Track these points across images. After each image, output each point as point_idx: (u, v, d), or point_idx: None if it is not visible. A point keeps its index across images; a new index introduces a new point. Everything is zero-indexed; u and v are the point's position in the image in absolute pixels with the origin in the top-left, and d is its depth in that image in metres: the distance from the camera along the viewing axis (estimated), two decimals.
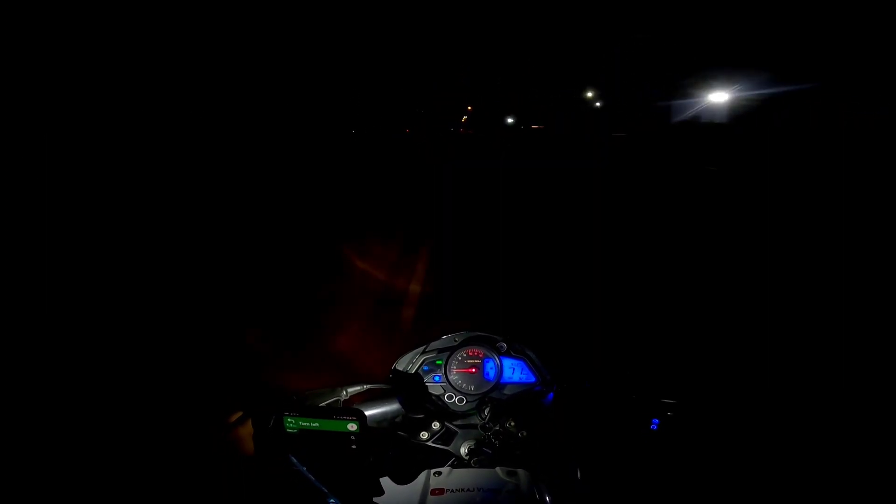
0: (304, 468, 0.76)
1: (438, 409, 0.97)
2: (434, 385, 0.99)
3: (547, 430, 0.92)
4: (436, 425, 0.93)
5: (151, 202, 8.28)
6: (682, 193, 8.59)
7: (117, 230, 6.41)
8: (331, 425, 0.74)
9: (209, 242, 5.85)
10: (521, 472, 0.83)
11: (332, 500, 0.74)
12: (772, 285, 3.89)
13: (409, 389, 0.95)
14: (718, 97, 14.53)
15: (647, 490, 0.91)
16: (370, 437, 0.76)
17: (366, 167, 14.81)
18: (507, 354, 1.00)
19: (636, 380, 0.94)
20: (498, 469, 0.84)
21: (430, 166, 14.61)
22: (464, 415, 0.96)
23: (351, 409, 0.77)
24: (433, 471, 0.84)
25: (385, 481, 0.83)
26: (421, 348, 1.02)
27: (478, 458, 0.89)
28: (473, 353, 1.00)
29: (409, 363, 1.01)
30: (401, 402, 0.90)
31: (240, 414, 0.87)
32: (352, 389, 0.90)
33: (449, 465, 0.89)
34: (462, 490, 0.81)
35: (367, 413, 0.87)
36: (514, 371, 0.99)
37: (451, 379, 0.98)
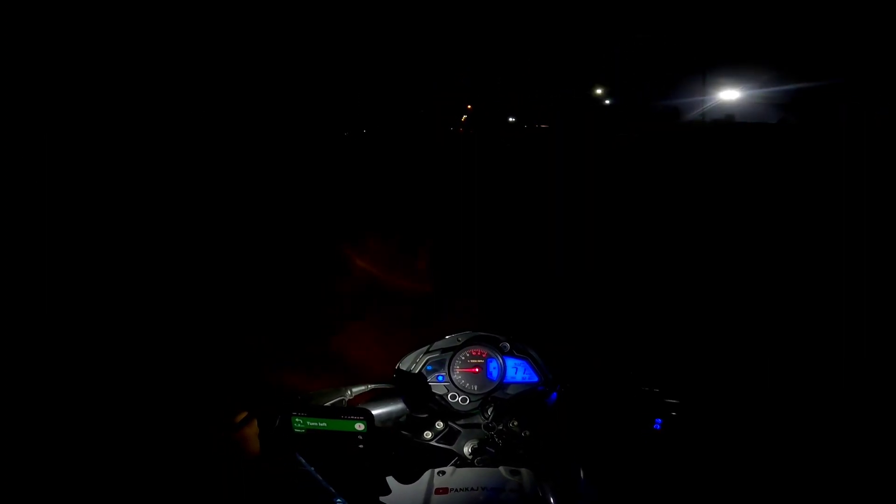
0: (312, 468, 0.77)
1: (442, 408, 0.97)
2: (437, 385, 1.00)
3: (550, 429, 0.93)
4: (439, 425, 0.94)
5: (158, 203, 8.30)
6: (688, 192, 8.56)
7: (129, 230, 6.43)
8: (338, 425, 0.75)
9: (216, 242, 5.86)
10: (524, 471, 0.83)
11: (338, 500, 0.75)
12: (779, 284, 3.89)
13: (413, 389, 0.96)
14: (729, 94, 14.39)
15: (650, 489, 0.92)
16: (377, 436, 0.76)
17: (366, 167, 14.81)
18: (511, 354, 1.01)
19: (639, 379, 0.94)
20: (501, 468, 0.84)
21: (431, 164, 14.61)
22: (467, 414, 0.97)
23: (359, 409, 0.78)
24: (437, 470, 0.85)
25: (389, 481, 0.84)
26: (424, 348, 1.03)
27: (481, 457, 0.90)
28: (477, 352, 1.01)
29: (412, 363, 1.02)
30: (405, 402, 0.90)
31: (245, 414, 0.87)
32: (356, 389, 0.91)
33: (452, 465, 0.90)
34: (465, 489, 0.81)
35: (373, 412, 0.88)
36: (517, 371, 1.00)
37: (455, 379, 0.99)
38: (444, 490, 0.82)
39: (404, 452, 0.92)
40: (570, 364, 1.03)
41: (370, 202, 9.26)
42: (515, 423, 0.93)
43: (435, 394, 0.99)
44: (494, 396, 0.97)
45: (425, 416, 0.93)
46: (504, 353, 1.00)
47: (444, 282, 4.43)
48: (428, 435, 0.93)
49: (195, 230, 6.53)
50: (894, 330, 2.88)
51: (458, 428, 0.94)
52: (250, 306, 3.87)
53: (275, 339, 3.25)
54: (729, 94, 14.86)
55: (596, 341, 3.10)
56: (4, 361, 2.89)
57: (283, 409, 0.78)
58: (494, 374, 0.99)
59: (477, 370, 1.00)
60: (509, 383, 0.99)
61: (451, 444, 0.93)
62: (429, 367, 1.01)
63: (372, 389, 0.91)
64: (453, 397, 0.98)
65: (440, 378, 1.00)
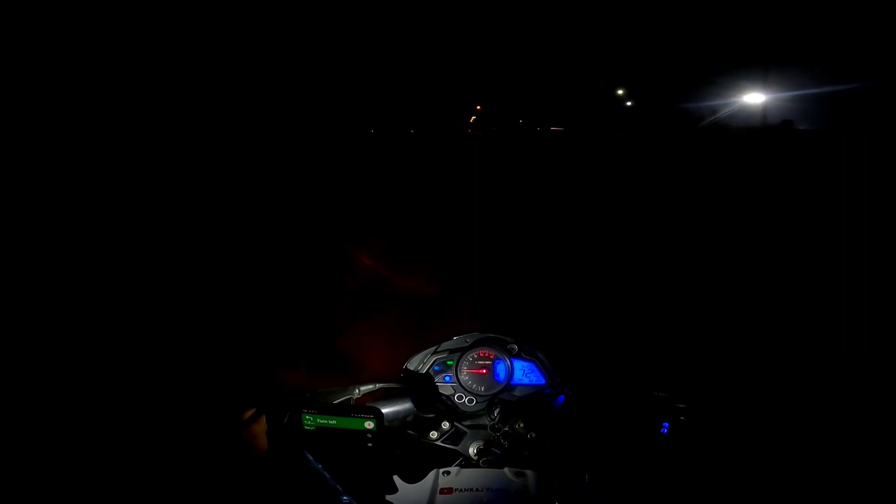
0: (319, 465, 0.77)
1: (448, 409, 0.98)
2: (445, 385, 1.00)
3: (556, 432, 0.93)
4: (445, 425, 0.94)
5: (163, 202, 8.30)
6: (697, 193, 8.55)
7: (132, 230, 6.42)
8: (348, 423, 0.75)
9: (220, 241, 5.85)
10: (529, 473, 0.84)
11: (344, 498, 0.75)
12: (789, 289, 3.88)
13: (420, 389, 0.96)
14: (754, 98, 14.01)
15: (656, 493, 0.92)
16: (386, 435, 0.77)
17: (367, 167, 14.79)
18: (518, 356, 1.01)
19: (647, 382, 0.95)
20: (506, 469, 0.85)
21: (433, 165, 14.60)
22: (473, 415, 0.97)
23: (369, 408, 0.79)
24: (442, 470, 0.85)
25: (394, 480, 0.84)
26: (432, 348, 1.03)
27: (486, 458, 0.90)
28: (484, 354, 1.01)
29: (420, 363, 1.02)
30: (412, 402, 0.90)
31: (253, 410, 0.88)
32: (364, 388, 0.91)
33: (458, 465, 0.90)
34: (470, 490, 0.82)
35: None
36: (524, 373, 1.00)
37: (462, 379, 0.99)
38: (449, 490, 0.82)
39: (410, 452, 0.92)
40: (576, 367, 1.03)
41: (372, 203, 9.26)
42: (521, 425, 0.93)
43: (442, 394, 1.00)
44: (501, 398, 0.97)
45: (432, 416, 0.94)
46: (512, 356, 1.00)
47: (446, 281, 4.43)
48: (434, 435, 0.94)
49: (200, 230, 6.53)
50: None
51: (464, 429, 0.95)
52: (254, 305, 3.87)
53: (278, 337, 3.26)
54: (754, 98, 14.47)
55: (597, 341, 3.11)
56: (7, 361, 2.89)
57: (293, 407, 0.78)
58: (502, 375, 0.99)
59: (484, 371, 1.00)
60: (516, 385, 1.00)
61: (456, 445, 0.93)
62: (436, 368, 1.01)
63: (379, 388, 0.92)
64: (460, 398, 0.99)
65: (447, 378, 1.00)
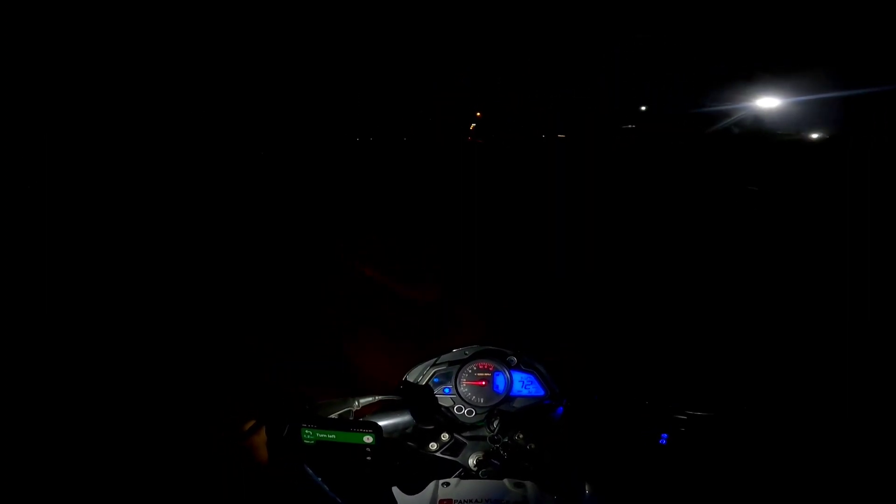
0: (319, 479, 0.78)
1: (448, 420, 0.98)
2: (444, 397, 1.01)
3: (555, 442, 0.94)
4: (445, 436, 0.95)
5: (166, 206, 8.32)
6: (703, 199, 8.51)
7: (136, 232, 6.44)
8: (347, 437, 0.76)
9: (219, 246, 5.86)
10: (528, 484, 0.84)
11: None
12: (794, 297, 3.85)
13: (420, 401, 0.97)
14: (767, 102, 13.56)
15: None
16: (385, 449, 0.77)
17: (368, 170, 14.80)
18: (517, 368, 1.01)
19: (645, 393, 0.95)
20: (506, 481, 0.85)
21: (433, 168, 14.60)
22: (473, 427, 0.97)
23: (367, 423, 0.79)
24: (441, 481, 0.86)
25: (394, 491, 0.85)
26: (431, 360, 1.04)
27: (486, 469, 0.90)
28: (483, 366, 1.02)
29: (419, 375, 1.03)
30: (411, 414, 0.91)
31: (253, 423, 0.88)
32: (364, 400, 0.91)
33: (457, 476, 0.90)
34: (470, 501, 0.82)
35: (379, 424, 0.88)
36: (523, 384, 1.01)
37: (461, 391, 1.00)
38: (449, 501, 0.83)
39: (410, 463, 0.93)
40: (575, 377, 1.03)
41: (371, 203, 9.26)
42: (521, 437, 0.93)
43: (441, 406, 1.00)
44: (500, 409, 0.98)
45: (431, 427, 0.94)
46: (511, 367, 1.01)
47: (447, 286, 4.44)
48: (433, 446, 0.94)
49: (202, 234, 6.55)
50: None
51: (464, 440, 0.95)
52: (254, 309, 3.88)
53: (278, 338, 3.26)
54: (767, 102, 13.98)
55: (598, 347, 3.10)
56: (7, 364, 2.90)
57: (292, 420, 0.79)
58: (501, 387, 1.00)
59: (483, 383, 1.01)
60: (515, 397, 1.00)
61: (456, 456, 0.94)
62: (436, 380, 1.02)
63: (379, 401, 0.92)
64: (459, 410, 0.99)
65: (447, 390, 1.01)
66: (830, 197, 7.35)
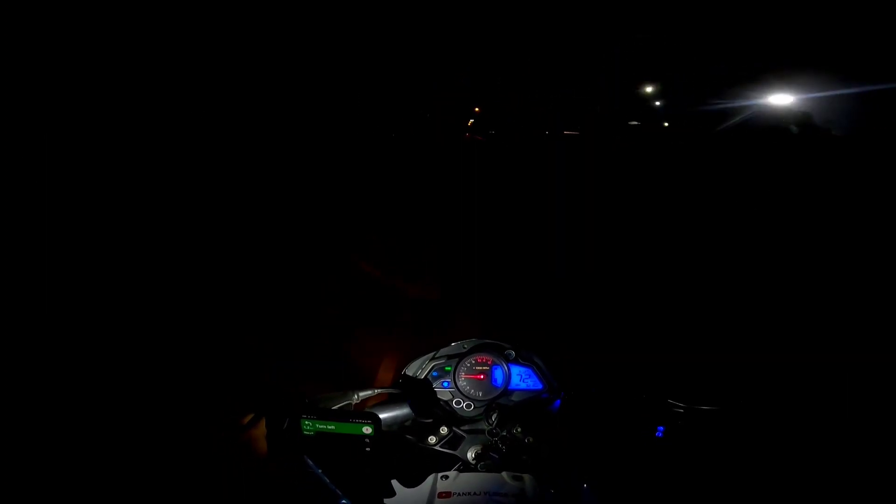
0: (319, 470, 0.79)
1: (447, 414, 0.99)
2: (443, 391, 1.01)
3: (553, 436, 0.94)
4: (444, 430, 0.95)
5: (168, 203, 8.30)
6: (711, 199, 8.47)
7: (141, 231, 6.42)
8: (346, 428, 0.77)
9: (220, 244, 5.86)
10: (526, 476, 0.85)
11: (343, 502, 0.76)
12: (798, 297, 3.84)
13: (419, 394, 0.97)
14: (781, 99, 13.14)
15: (651, 496, 0.93)
16: (384, 440, 0.78)
17: (367, 170, 14.77)
18: (516, 362, 1.02)
19: (642, 386, 0.96)
20: (504, 474, 0.86)
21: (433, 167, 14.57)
22: (471, 420, 0.98)
23: (366, 413, 0.80)
24: (440, 474, 0.86)
25: (393, 484, 0.86)
26: (430, 354, 1.04)
27: (484, 462, 0.91)
28: (482, 359, 1.02)
29: (418, 369, 1.03)
30: (410, 407, 0.91)
31: (252, 416, 0.89)
32: (363, 394, 0.92)
33: (456, 469, 0.91)
34: (468, 493, 0.83)
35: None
36: (521, 378, 1.02)
37: (460, 385, 1.01)
38: (448, 494, 0.83)
39: (409, 456, 0.93)
40: (573, 371, 1.04)
41: (370, 203, 9.25)
42: (519, 430, 0.94)
43: (440, 399, 1.01)
44: (499, 403, 0.98)
45: (430, 421, 0.94)
46: (509, 361, 1.02)
47: (447, 285, 4.44)
48: (432, 440, 0.95)
49: (200, 231, 6.54)
50: None
51: (463, 433, 0.95)
52: (254, 309, 3.89)
53: (277, 337, 3.27)
54: (780, 99, 13.50)
55: (597, 341, 3.11)
56: (8, 364, 2.90)
57: (292, 412, 0.80)
58: (499, 381, 1.01)
59: (482, 377, 1.01)
60: (514, 390, 1.01)
61: (455, 449, 0.94)
62: (434, 373, 1.02)
63: (378, 394, 0.93)
64: (458, 403, 1.00)
65: (445, 384, 1.01)
66: (828, 198, 7.35)
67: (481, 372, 1.02)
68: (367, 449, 0.77)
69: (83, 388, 2.65)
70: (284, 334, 3.37)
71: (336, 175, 13.95)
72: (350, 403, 0.91)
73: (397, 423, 0.91)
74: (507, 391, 1.00)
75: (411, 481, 0.86)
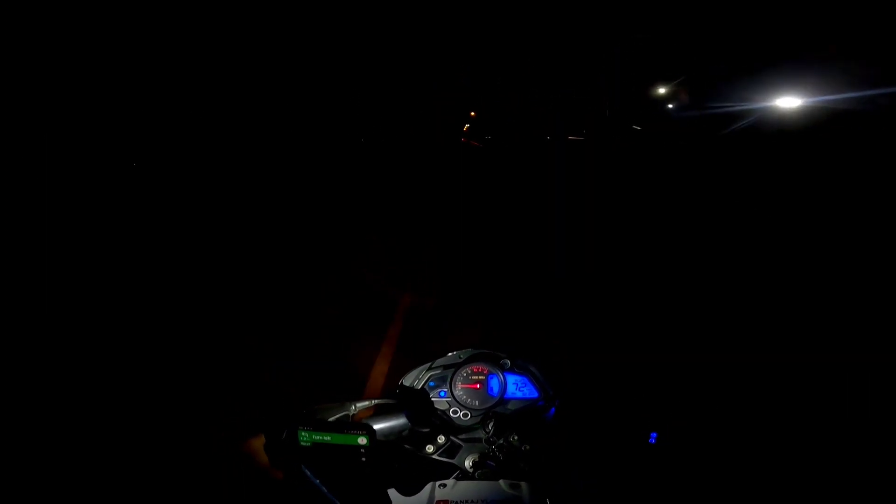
0: (317, 480, 0.80)
1: (444, 423, 1.00)
2: (440, 400, 1.02)
3: (549, 443, 0.95)
4: (441, 439, 0.96)
5: (171, 208, 8.33)
6: (715, 205, 8.43)
7: (142, 232, 6.45)
8: (342, 439, 0.78)
9: (221, 245, 5.88)
10: (523, 484, 0.86)
11: None
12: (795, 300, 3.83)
13: (416, 404, 0.98)
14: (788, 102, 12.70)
15: (647, 502, 0.94)
16: (379, 450, 0.79)
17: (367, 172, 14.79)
18: (511, 371, 1.03)
19: (636, 392, 0.97)
20: (501, 482, 0.87)
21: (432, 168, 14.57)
22: (468, 429, 0.99)
23: (361, 424, 0.81)
24: (438, 483, 0.87)
25: (392, 493, 0.87)
26: (427, 365, 1.05)
27: (482, 470, 0.92)
28: (478, 369, 1.03)
29: (415, 379, 1.04)
30: (407, 417, 0.93)
31: (253, 427, 0.90)
32: (360, 404, 0.93)
33: (454, 478, 0.92)
34: (466, 501, 0.84)
35: (376, 427, 0.90)
36: (517, 387, 1.03)
37: (456, 394, 1.02)
38: (445, 502, 0.84)
39: (407, 465, 0.94)
40: (568, 378, 1.05)
41: (371, 204, 9.26)
42: (516, 438, 0.94)
43: (437, 409, 1.02)
44: (495, 412, 0.99)
45: (427, 430, 0.95)
46: (505, 370, 1.03)
47: (447, 284, 4.44)
48: (430, 449, 0.95)
49: (202, 236, 6.57)
50: None
51: (460, 442, 0.96)
52: (254, 310, 3.90)
53: (277, 337, 3.28)
54: (787, 102, 13.03)
55: (596, 341, 3.11)
56: (9, 365, 2.92)
57: (290, 423, 0.81)
58: (495, 390, 1.02)
59: (478, 386, 1.02)
60: (510, 399, 1.02)
61: (452, 458, 0.95)
62: (431, 383, 1.03)
63: (376, 405, 0.94)
64: (455, 412, 1.01)
65: (442, 394, 1.02)
66: (827, 199, 7.33)
67: (477, 381, 1.03)
68: (363, 459, 0.78)
69: (83, 388, 2.67)
70: (284, 335, 3.38)
71: (336, 175, 13.99)
72: (348, 414, 0.92)
73: (394, 433, 0.92)
74: (503, 400, 1.01)
75: (409, 490, 0.87)
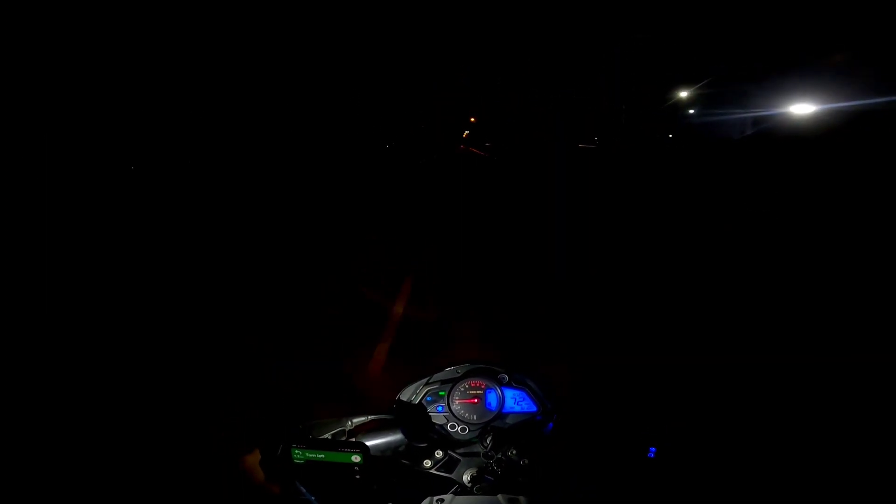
0: (312, 497, 0.80)
1: (441, 437, 0.99)
2: (437, 415, 1.02)
3: (548, 457, 0.95)
4: (439, 454, 0.95)
5: (171, 208, 8.33)
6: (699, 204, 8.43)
7: (142, 232, 6.45)
8: (336, 457, 0.78)
9: (221, 245, 5.89)
10: (522, 499, 0.85)
11: None
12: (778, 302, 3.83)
13: (413, 419, 0.98)
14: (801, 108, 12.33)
15: None
16: (374, 467, 0.79)
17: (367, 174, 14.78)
18: (509, 385, 1.03)
19: (635, 406, 0.96)
20: (500, 496, 0.86)
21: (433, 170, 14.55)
22: (466, 443, 0.98)
23: (355, 443, 0.81)
24: (436, 498, 0.86)
25: None
26: (424, 380, 1.05)
27: (480, 485, 0.91)
28: (475, 384, 1.03)
29: (412, 394, 1.04)
30: (403, 433, 0.92)
31: (249, 443, 0.90)
32: (357, 420, 0.93)
33: (452, 493, 0.91)
34: None
35: (373, 442, 0.90)
36: (515, 401, 1.02)
37: (454, 409, 1.01)
38: None
39: (404, 481, 0.94)
40: (566, 392, 1.04)
41: (371, 203, 9.26)
42: (514, 452, 0.94)
43: (434, 423, 1.01)
44: (493, 426, 0.99)
45: (425, 445, 0.95)
46: (503, 385, 1.02)
47: (448, 284, 4.44)
48: (428, 463, 0.95)
49: (202, 236, 6.58)
50: None
51: (458, 456, 0.96)
52: (254, 310, 3.90)
53: (277, 337, 3.28)
54: (801, 108, 12.57)
55: (596, 342, 3.10)
56: (8, 365, 2.92)
57: (284, 440, 0.81)
58: (493, 404, 1.01)
59: (476, 401, 1.02)
60: (508, 413, 1.01)
61: (450, 473, 0.94)
62: (429, 398, 1.03)
63: (372, 420, 0.93)
64: (453, 427, 1.00)
65: (440, 408, 1.02)
66: (826, 199, 7.34)
67: (475, 396, 1.02)
68: (357, 476, 0.78)
69: (83, 387, 2.67)
70: (284, 334, 3.39)
71: (336, 175, 13.98)
72: (344, 430, 0.91)
73: (391, 448, 0.92)
74: (501, 414, 1.01)
75: None
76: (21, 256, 5.27)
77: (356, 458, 0.77)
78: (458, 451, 0.97)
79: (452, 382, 1.03)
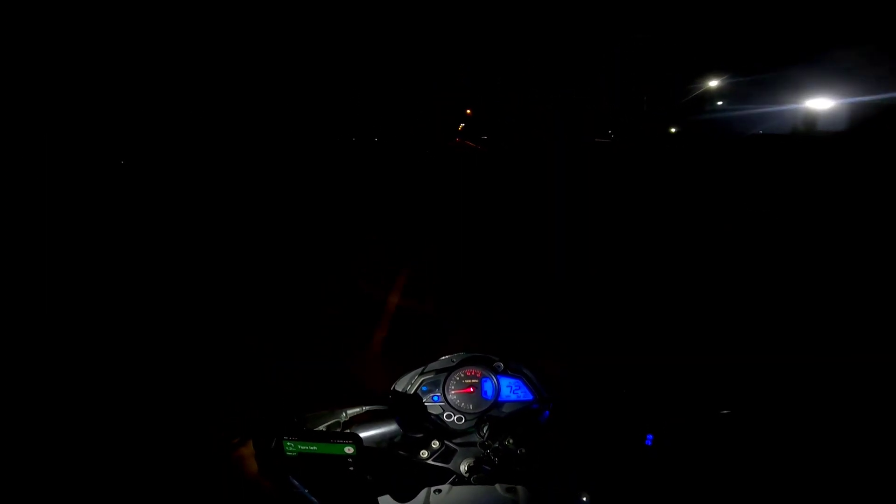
0: (305, 490, 0.79)
1: (438, 427, 0.98)
2: (433, 405, 1.01)
3: (545, 446, 0.94)
4: (435, 444, 0.95)
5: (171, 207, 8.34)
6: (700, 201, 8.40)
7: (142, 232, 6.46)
8: (328, 448, 0.77)
9: (222, 248, 5.89)
10: (519, 488, 0.84)
11: None
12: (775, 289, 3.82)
13: (409, 409, 0.97)
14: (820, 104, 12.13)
15: None
16: (367, 458, 0.78)
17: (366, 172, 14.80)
18: (505, 374, 1.02)
19: (631, 393, 0.96)
20: (497, 486, 0.85)
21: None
22: (463, 433, 0.98)
23: (347, 434, 0.81)
24: (433, 488, 0.86)
25: (386, 499, 0.85)
26: (419, 369, 1.04)
27: (477, 475, 0.90)
28: (471, 373, 1.02)
29: (407, 384, 1.03)
30: (398, 423, 0.91)
31: (241, 436, 0.89)
32: (351, 411, 0.92)
33: (449, 483, 0.90)
34: None
35: (368, 434, 0.89)
36: (511, 390, 1.01)
37: (450, 398, 1.00)
38: None
39: (401, 471, 0.93)
40: (562, 380, 1.04)
41: (371, 203, 9.26)
42: (511, 441, 0.93)
43: (430, 413, 1.00)
44: (490, 415, 0.98)
45: (421, 435, 0.94)
46: (498, 373, 1.01)
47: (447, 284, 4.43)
48: (424, 454, 0.94)
49: (202, 235, 6.58)
50: None
51: (455, 446, 0.95)
52: (254, 310, 3.89)
53: (277, 337, 3.27)
54: (819, 104, 12.35)
55: (596, 342, 3.09)
56: (6, 365, 2.91)
57: (277, 432, 0.80)
58: (489, 393, 1.00)
59: (472, 390, 1.01)
60: (504, 402, 1.00)
61: (447, 463, 0.94)
62: (424, 388, 1.02)
63: (367, 411, 0.92)
64: (449, 417, 0.99)
65: (435, 398, 1.01)
66: (826, 199, 7.31)
67: (471, 385, 1.01)
68: (351, 468, 0.77)
69: (83, 387, 2.66)
70: (284, 334, 3.38)
71: (336, 175, 14.00)
72: (338, 421, 0.91)
73: (387, 440, 0.91)
74: (497, 403, 1.00)
75: (404, 496, 0.86)
76: (20, 255, 5.27)
77: (349, 450, 0.77)
78: (454, 441, 0.96)
79: (448, 372, 1.02)
